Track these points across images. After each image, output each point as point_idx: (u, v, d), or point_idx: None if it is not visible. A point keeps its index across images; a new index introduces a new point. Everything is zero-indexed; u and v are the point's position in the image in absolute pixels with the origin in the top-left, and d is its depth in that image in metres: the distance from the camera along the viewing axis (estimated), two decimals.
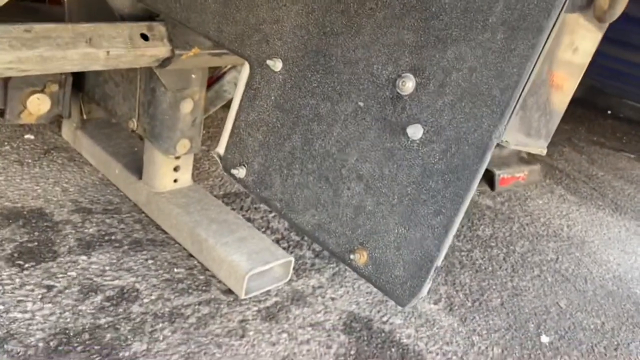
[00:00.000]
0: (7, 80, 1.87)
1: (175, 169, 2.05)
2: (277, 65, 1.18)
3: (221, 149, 1.31)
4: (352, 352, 1.68)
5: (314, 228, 1.10)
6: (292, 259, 1.87)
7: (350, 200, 1.05)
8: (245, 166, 1.24)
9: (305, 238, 2.17)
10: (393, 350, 1.73)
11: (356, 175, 1.06)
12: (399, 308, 1.90)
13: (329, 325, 1.76)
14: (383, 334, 1.78)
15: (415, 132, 0.99)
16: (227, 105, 1.41)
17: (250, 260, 1.78)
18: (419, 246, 0.98)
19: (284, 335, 1.68)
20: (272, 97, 1.21)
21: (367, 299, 1.92)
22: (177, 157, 2.03)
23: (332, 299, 1.88)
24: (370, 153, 1.05)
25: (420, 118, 0.99)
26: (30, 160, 2.23)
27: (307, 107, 1.14)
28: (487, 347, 1.83)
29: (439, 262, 0.97)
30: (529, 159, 3.43)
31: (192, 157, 2.10)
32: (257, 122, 1.23)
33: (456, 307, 1.99)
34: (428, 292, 2.01)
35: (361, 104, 1.07)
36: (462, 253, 2.37)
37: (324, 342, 1.69)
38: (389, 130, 1.02)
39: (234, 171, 1.24)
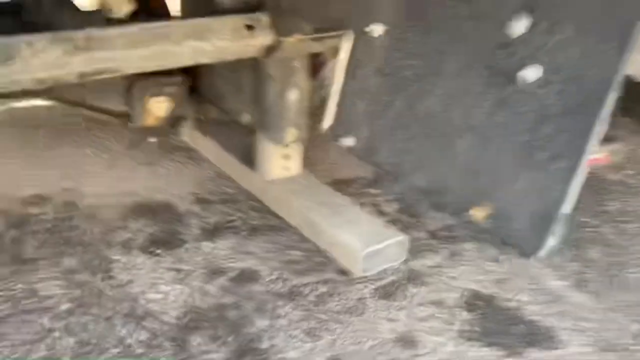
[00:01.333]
0: (130, 86, 2.05)
1: (286, 158, 2.11)
2: (377, 30, 1.18)
3: (328, 121, 1.32)
4: (477, 329, 1.61)
5: (428, 188, 1.07)
6: (407, 237, 1.84)
7: (463, 155, 1.01)
8: (353, 135, 1.24)
9: (419, 219, 2.13)
10: (521, 326, 1.63)
11: (467, 129, 1.02)
12: (524, 285, 1.80)
13: (450, 303, 1.70)
14: (509, 311, 1.69)
15: (529, 74, 0.93)
16: None
17: (364, 239, 1.78)
18: (542, 194, 0.92)
19: (403, 312, 1.65)
20: (374, 64, 1.20)
21: (489, 277, 1.84)
22: (287, 146, 2.08)
23: (452, 277, 1.82)
24: (479, 104, 1.00)
25: (534, 59, 0.93)
26: (154, 160, 2.41)
27: (409, 68, 1.12)
28: (626, 324, 1.67)
29: (566, 209, 0.90)
30: (609, 135, 3.05)
31: (301, 146, 2.15)
32: (361, 91, 1.23)
33: (587, 284, 1.84)
34: (558, 252, 1.87)
35: (466, 57, 1.02)
36: (590, 229, 2.19)
37: (445, 319, 1.64)
38: (498, 78, 0.97)
39: (343, 140, 1.25)
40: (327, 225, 1.86)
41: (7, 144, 2.42)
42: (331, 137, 1.29)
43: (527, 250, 0.91)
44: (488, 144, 0.97)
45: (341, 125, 1.25)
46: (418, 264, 1.88)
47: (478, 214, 0.97)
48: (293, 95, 1.96)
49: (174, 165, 2.39)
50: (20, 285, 1.62)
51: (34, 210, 1.98)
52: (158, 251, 1.84)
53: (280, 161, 2.11)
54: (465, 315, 1.66)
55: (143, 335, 1.49)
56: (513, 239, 0.94)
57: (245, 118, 2.08)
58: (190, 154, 2.49)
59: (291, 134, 2.01)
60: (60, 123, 2.68)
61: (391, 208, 2.20)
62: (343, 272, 1.80)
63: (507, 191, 0.95)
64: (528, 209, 0.92)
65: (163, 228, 1.96)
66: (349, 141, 1.23)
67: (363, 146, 1.20)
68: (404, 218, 2.13)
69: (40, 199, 2.05)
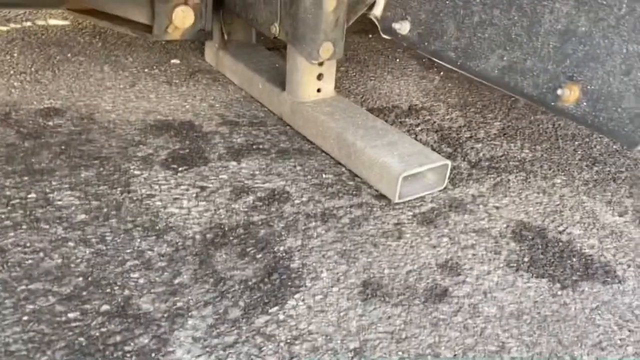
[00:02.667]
0: None
1: (319, 77, 1.95)
2: None
3: (378, 10, 1.15)
4: (526, 260, 1.47)
5: (502, 72, 0.91)
6: (449, 162, 1.68)
7: (553, 26, 0.84)
8: (408, 19, 1.07)
9: (459, 148, 1.97)
10: (574, 259, 1.49)
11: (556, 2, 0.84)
12: (577, 218, 1.65)
13: (496, 232, 1.56)
14: (560, 244, 1.54)
15: None
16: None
17: (402, 162, 1.63)
18: None
19: (445, 239, 1.52)
20: None
21: (537, 209, 1.69)
22: (321, 64, 1.92)
23: (496, 207, 1.68)
24: None
25: None
26: (177, 81, 2.26)
27: None
28: None
29: None
30: None
31: (335, 65, 1.99)
32: None
33: None
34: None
35: None
36: None
37: (491, 247, 1.50)
38: None
39: (396, 27, 1.09)
40: (362, 146, 1.71)
41: (20, 59, 2.29)
42: (380, 26, 1.12)
43: (631, 139, 0.76)
44: (589, 8, 0.80)
45: (394, 10, 1.08)
46: (460, 192, 1.73)
47: (568, 96, 0.81)
48: (330, 4, 1.78)
49: (198, 86, 2.24)
50: (33, 195, 1.51)
51: (49, 122, 1.86)
52: (180, 168, 1.71)
53: (313, 81, 1.94)
54: (512, 245, 1.52)
55: (164, 249, 1.38)
56: (613, 124, 0.78)
57: (275, 29, 1.91)
58: (215, 76, 2.34)
59: (326, 49, 1.84)
60: (75, 41, 2.54)
61: (430, 137, 2.04)
62: (379, 196, 1.67)
63: (608, 68, 0.78)
64: (635, 87, 0.76)
65: (186, 146, 1.83)
66: (403, 27, 1.07)
67: (421, 31, 1.03)
68: (444, 148, 1.98)
69: (56, 112, 1.93)
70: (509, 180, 1.82)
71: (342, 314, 1.25)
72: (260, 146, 1.88)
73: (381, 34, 1.21)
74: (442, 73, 2.58)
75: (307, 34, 1.81)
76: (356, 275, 1.36)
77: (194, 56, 2.51)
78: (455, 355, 1.18)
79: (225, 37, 2.37)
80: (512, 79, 0.89)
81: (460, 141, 2.03)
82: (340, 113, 1.89)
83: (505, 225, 1.60)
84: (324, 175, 1.75)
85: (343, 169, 1.78)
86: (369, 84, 2.43)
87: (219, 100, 2.15)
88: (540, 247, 1.53)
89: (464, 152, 1.96)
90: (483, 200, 1.71)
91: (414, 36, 1.05)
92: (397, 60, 2.72)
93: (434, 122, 2.15)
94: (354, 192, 1.68)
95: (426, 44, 1.02)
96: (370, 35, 2.95)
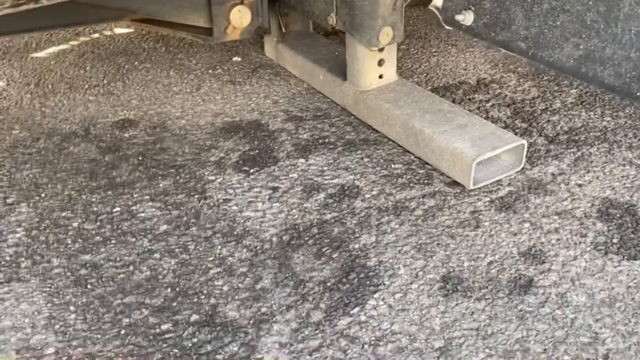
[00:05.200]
0: None
1: (380, 63, 1.91)
2: None
3: (439, 0, 1.11)
4: (615, 241, 1.39)
5: (578, 61, 0.85)
6: (525, 142, 1.61)
7: (634, 9, 0.77)
8: (472, 9, 1.02)
9: (535, 122, 1.88)
10: None
11: None
12: None
13: (580, 213, 1.49)
14: None
15: None
16: None
17: (475, 146, 1.58)
18: None
19: (526, 225, 1.46)
20: None
21: (624, 183, 1.58)
22: (381, 50, 1.88)
23: (579, 185, 1.59)
24: None
25: None
26: (240, 79, 2.29)
27: None
28: None
29: None
30: None
31: (396, 49, 1.94)
32: None
33: None
34: None
35: None
36: None
37: (576, 230, 1.43)
38: None
39: (459, 18, 1.04)
40: (430, 132, 1.67)
41: (92, 72, 2.40)
42: (442, 17, 1.07)
43: None
44: None
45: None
46: (538, 171, 1.66)
47: None
48: None
49: (261, 83, 2.26)
50: (118, 208, 1.60)
51: (125, 134, 1.95)
52: (252, 170, 1.74)
53: (374, 68, 1.91)
54: (599, 226, 1.44)
55: (244, 254, 1.42)
56: None
57: (332, 20, 1.88)
58: (276, 70, 2.35)
59: (385, 34, 1.80)
60: (140, 48, 2.63)
61: (502, 113, 1.95)
62: (452, 184, 1.62)
63: None
64: None
65: (255, 146, 1.86)
66: (467, 18, 1.02)
67: (487, 21, 0.98)
68: (518, 123, 1.89)
69: (130, 123, 2.01)
70: (590, 153, 1.72)
71: (424, 311, 1.24)
72: (326, 140, 1.88)
73: (443, 25, 1.16)
74: None
75: (365, 21, 1.77)
76: (435, 270, 1.35)
77: (255, 51, 2.53)
78: (545, 349, 1.14)
79: (283, 29, 2.36)
80: (591, 69, 0.83)
81: (535, 114, 1.94)
82: (404, 98, 1.85)
83: (589, 205, 1.51)
84: (393, 166, 1.72)
85: (412, 157, 1.75)
86: (432, 61, 2.35)
87: (282, 96, 2.16)
88: (630, 225, 1.44)
89: (539, 126, 1.87)
90: (564, 178, 1.62)
91: (479, 27, 1.00)
92: (461, 32, 2.61)
93: (505, 95, 2.06)
94: (426, 181, 1.65)
95: (493, 34, 0.97)
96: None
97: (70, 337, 1.21)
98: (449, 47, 2.46)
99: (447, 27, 1.07)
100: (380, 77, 1.92)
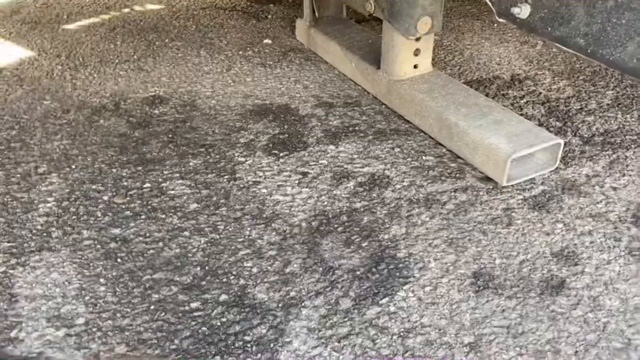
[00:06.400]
0: None
1: (416, 53, 1.88)
2: None
3: None
4: None
5: None
6: (562, 141, 1.58)
7: None
8: (529, 2, 0.99)
9: (569, 122, 1.85)
10: None
11: None
12: None
13: (614, 217, 1.46)
14: None
15: None
16: None
17: (511, 143, 1.55)
18: None
19: (559, 225, 1.44)
20: None
21: None
22: (418, 39, 1.85)
23: (614, 188, 1.56)
24: None
25: None
26: (271, 62, 2.28)
27: None
28: None
29: None
30: None
31: (433, 40, 1.91)
32: None
33: None
34: None
35: None
36: None
37: (610, 234, 1.41)
38: None
39: (515, 11, 1.01)
40: (465, 126, 1.64)
41: (123, 47, 2.40)
42: (495, 9, 1.05)
43: None
44: None
45: None
46: (572, 172, 1.63)
47: None
48: None
49: (292, 67, 2.24)
50: (148, 184, 1.60)
51: (155, 110, 1.95)
52: (281, 153, 1.73)
53: (410, 57, 1.88)
54: (634, 231, 1.42)
55: (273, 238, 1.42)
56: None
57: (369, 7, 1.86)
58: (307, 55, 2.33)
59: (424, 24, 1.77)
60: (171, 26, 2.62)
61: (536, 111, 1.92)
62: (484, 179, 1.61)
63: None
64: None
65: (285, 130, 1.85)
66: (523, 11, 0.99)
67: (544, 15, 0.96)
68: (552, 122, 1.86)
69: (160, 100, 2.01)
70: (626, 157, 1.69)
71: (454, 306, 1.23)
72: (357, 128, 1.86)
73: (496, 18, 1.13)
74: None
75: (404, 9, 1.74)
76: (466, 265, 1.33)
77: (285, 35, 2.51)
78: (576, 352, 1.13)
79: (316, 14, 2.34)
80: None
81: (570, 114, 1.90)
82: (439, 90, 1.82)
83: (624, 209, 1.49)
84: (424, 157, 1.71)
85: (444, 150, 1.73)
86: (465, 54, 2.32)
87: (313, 81, 2.14)
88: None
89: (574, 126, 1.84)
90: (598, 180, 1.60)
91: (535, 21, 0.98)
92: (495, 25, 2.57)
93: (540, 93, 2.03)
94: (457, 175, 1.63)
95: (549, 29, 0.94)
96: None
97: (100, 309, 1.22)
98: (483, 40, 2.43)
99: (500, 19, 1.05)
100: (415, 67, 1.90)
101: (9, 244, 1.37)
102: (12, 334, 1.15)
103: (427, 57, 1.91)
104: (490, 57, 2.29)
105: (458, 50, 2.35)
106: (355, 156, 1.72)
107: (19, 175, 1.61)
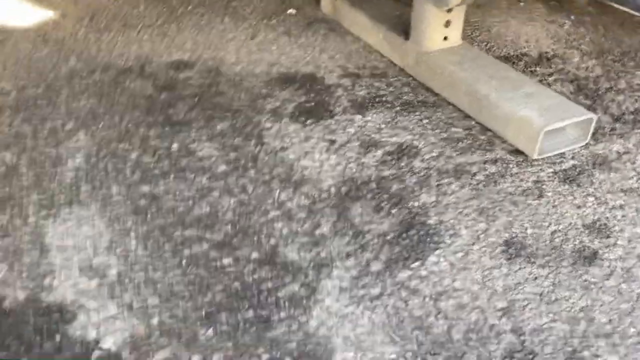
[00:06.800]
0: None
1: (446, 25, 1.86)
2: None
3: None
4: None
5: None
6: (594, 116, 1.57)
7: None
8: None
9: (599, 100, 1.83)
10: None
11: None
12: None
13: None
14: None
15: None
16: None
17: (542, 116, 1.54)
18: None
19: (591, 199, 1.43)
20: None
21: None
22: (449, 10, 1.82)
23: None
24: None
25: None
26: (296, 32, 2.25)
27: None
28: None
29: None
30: None
31: (464, 11, 1.88)
32: None
33: None
34: None
35: None
36: None
37: None
38: None
39: None
40: (495, 98, 1.63)
41: (146, 12, 2.37)
42: None
43: None
44: None
45: None
46: (603, 148, 1.62)
47: None
48: None
49: (317, 37, 2.21)
50: (175, 145, 1.59)
51: (180, 75, 1.93)
52: (308, 121, 1.72)
53: (440, 29, 1.86)
54: None
55: (302, 201, 1.41)
56: None
57: None
58: (332, 25, 2.30)
59: None
60: None
61: (565, 88, 1.90)
62: (514, 152, 1.59)
63: None
64: None
65: (311, 99, 1.83)
66: None
67: None
68: (582, 100, 1.84)
69: (185, 65, 1.99)
70: None
71: (485, 272, 1.22)
72: (384, 98, 1.84)
73: None
74: (572, 17, 2.38)
75: None
76: (497, 234, 1.33)
77: (309, 5, 2.48)
78: (610, 320, 1.12)
79: None
80: None
81: (599, 92, 1.88)
82: (469, 63, 1.80)
83: None
84: (453, 129, 1.69)
85: (473, 122, 1.71)
86: (492, 30, 2.29)
87: (338, 51, 2.12)
88: None
89: (604, 104, 1.82)
90: (629, 157, 1.58)
91: None
92: (522, 3, 2.53)
93: (568, 71, 2.00)
94: (487, 147, 1.61)
95: None
96: None
97: (132, 261, 1.21)
98: (510, 18, 2.39)
99: None
100: (445, 39, 1.88)
101: (39, 196, 1.37)
102: (46, 282, 1.15)
103: (457, 30, 1.89)
104: (517, 34, 2.26)
105: (485, 26, 2.32)
106: (383, 126, 1.71)
107: (46, 132, 1.61)
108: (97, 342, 1.06)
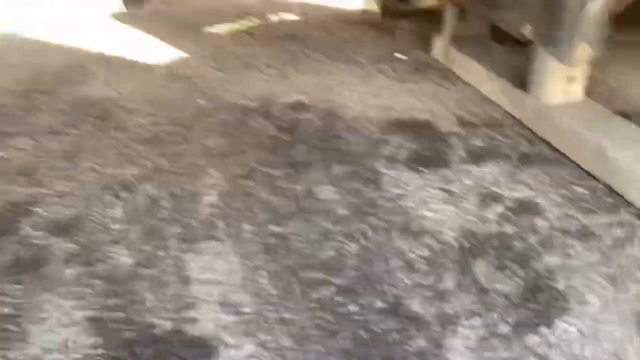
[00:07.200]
0: None
1: (569, 80, 1.84)
2: None
3: None
4: None
5: None
6: None
7: None
8: None
9: None
10: None
11: None
12: None
13: None
14: None
15: None
16: None
17: None
18: None
19: None
20: None
21: None
22: (573, 66, 1.81)
23: None
24: None
25: None
26: (406, 77, 2.31)
27: None
28: None
29: None
30: None
31: (588, 67, 1.86)
32: None
33: None
34: None
35: None
36: None
37: None
38: None
39: None
40: (624, 159, 1.59)
41: (263, 53, 2.52)
42: None
43: None
44: None
45: None
46: None
47: None
48: (595, 4, 1.66)
49: (428, 83, 2.26)
50: (299, 187, 1.66)
51: (300, 116, 2.03)
52: (423, 169, 1.75)
53: (562, 83, 1.84)
54: None
55: (424, 252, 1.43)
56: None
57: (527, 30, 1.84)
58: (444, 72, 2.34)
59: (583, 50, 1.73)
60: (308, 37, 2.72)
61: None
62: None
63: None
64: None
65: (425, 146, 1.86)
66: None
67: None
68: None
69: (302, 107, 2.09)
70: None
71: (617, 344, 1.19)
72: (500, 150, 1.84)
73: None
74: None
75: (562, 35, 1.72)
76: (627, 304, 1.28)
77: (419, 50, 2.54)
78: None
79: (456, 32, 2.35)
80: None
81: None
82: (594, 120, 1.77)
83: None
84: (575, 188, 1.66)
85: (597, 183, 1.67)
86: (612, 84, 2.23)
87: (451, 98, 2.15)
88: None
89: None
90: None
91: None
92: None
93: None
94: (614, 209, 1.57)
95: None
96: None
97: (264, 300, 1.28)
98: (633, 71, 2.33)
99: None
100: (567, 93, 1.86)
101: (180, 230, 1.48)
102: (189, 315, 1.24)
103: (579, 84, 1.87)
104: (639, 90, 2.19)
105: (603, 79, 2.27)
106: (501, 179, 1.71)
107: (181, 167, 1.74)
108: None
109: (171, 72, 2.34)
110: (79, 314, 1.22)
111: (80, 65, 2.39)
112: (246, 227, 1.50)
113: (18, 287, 1.29)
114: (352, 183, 1.69)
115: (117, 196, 1.59)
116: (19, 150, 1.80)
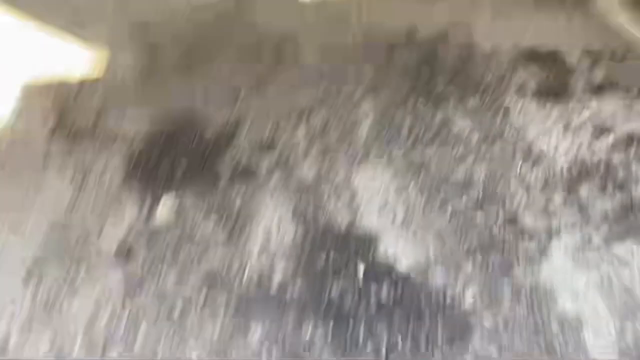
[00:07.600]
0: None
1: None
2: None
3: None
4: None
5: None
6: None
7: None
8: None
9: None
10: None
11: None
12: None
13: None
14: None
15: None
16: None
17: None
18: None
19: None
20: None
21: None
22: None
23: None
24: None
25: None
26: (542, 9, 2.47)
27: None
28: None
29: None
30: None
31: None
32: None
33: None
34: None
35: None
36: None
37: None
38: None
39: None
40: None
41: None
42: None
43: None
44: None
45: None
46: None
47: None
48: None
49: (563, 14, 2.41)
50: (439, 116, 2.04)
51: (438, 49, 2.34)
52: (548, 101, 2.03)
53: None
54: None
55: (539, 174, 1.80)
56: None
57: None
58: (581, 2, 2.46)
59: None
60: None
61: None
62: None
63: None
64: None
65: (552, 78, 2.12)
66: None
67: None
68: None
69: (443, 38, 2.38)
70: None
71: None
72: (619, 83, 2.05)
73: None
74: None
75: None
76: None
77: None
78: None
79: None
80: None
81: None
82: None
83: None
84: None
85: None
86: None
87: (583, 31, 2.31)
88: None
89: None
90: None
91: None
92: None
93: None
94: None
95: None
96: None
97: (412, 208, 1.76)
98: None
99: None
100: None
101: (345, 151, 1.97)
102: (357, 216, 1.76)
103: None
104: None
105: None
106: (617, 112, 1.95)
107: (343, 96, 2.18)
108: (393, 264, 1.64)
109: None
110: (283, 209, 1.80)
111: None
112: (395, 151, 1.94)
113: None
114: (482, 114, 2.04)
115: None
116: None
